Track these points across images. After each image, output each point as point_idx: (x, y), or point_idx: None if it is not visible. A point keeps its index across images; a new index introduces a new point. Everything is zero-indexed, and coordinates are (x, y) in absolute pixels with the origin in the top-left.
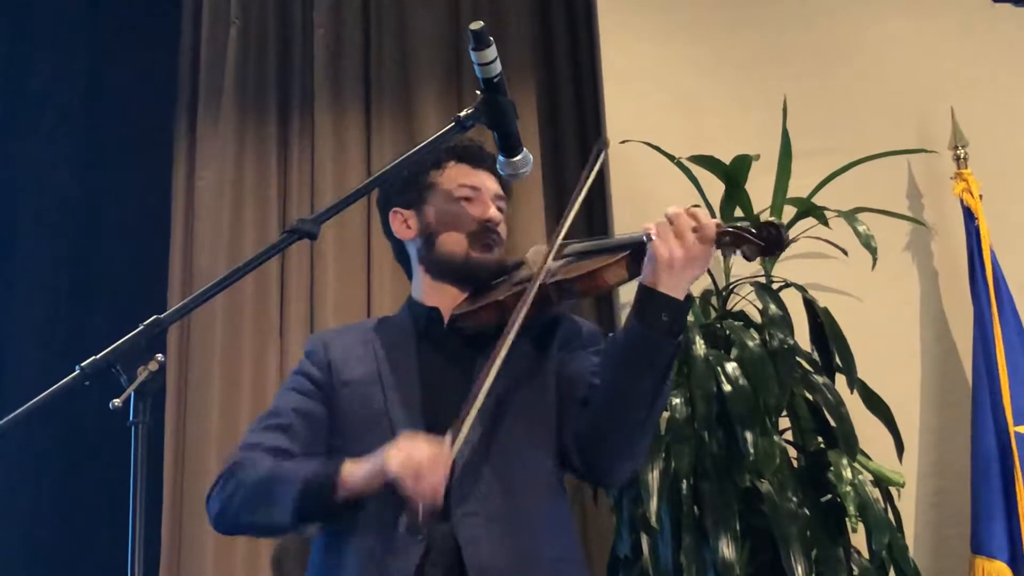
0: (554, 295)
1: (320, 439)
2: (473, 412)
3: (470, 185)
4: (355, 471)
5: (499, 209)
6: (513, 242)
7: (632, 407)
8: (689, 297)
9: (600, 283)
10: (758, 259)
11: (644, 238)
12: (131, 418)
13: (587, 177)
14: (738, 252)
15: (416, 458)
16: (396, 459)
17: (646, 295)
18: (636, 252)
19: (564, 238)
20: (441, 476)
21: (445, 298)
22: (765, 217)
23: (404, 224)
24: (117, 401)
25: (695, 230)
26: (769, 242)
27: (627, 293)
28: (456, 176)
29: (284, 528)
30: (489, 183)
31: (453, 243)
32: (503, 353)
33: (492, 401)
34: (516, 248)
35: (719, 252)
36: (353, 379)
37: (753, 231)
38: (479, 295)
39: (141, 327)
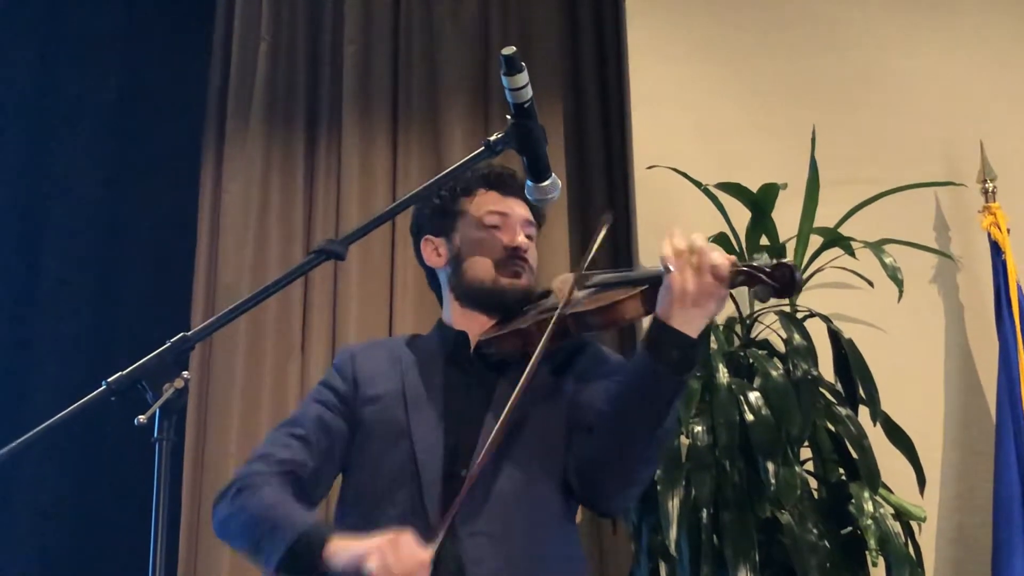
0: (572, 327)
1: (337, 453)
2: (486, 449)
3: (499, 212)
4: (341, 550)
5: (528, 236)
6: (539, 265)
7: (632, 437)
8: (703, 337)
9: (618, 317)
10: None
11: (663, 269)
12: (155, 434)
13: (591, 249)
14: (751, 292)
15: (397, 567)
16: (376, 560)
17: (659, 329)
18: (655, 286)
19: (589, 268)
20: None
21: (473, 324)
22: (791, 247)
23: (435, 252)
24: (142, 417)
25: (712, 267)
26: (782, 283)
27: None
28: (485, 203)
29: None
30: (519, 210)
31: (480, 269)
32: (522, 390)
33: (507, 432)
34: (542, 271)
35: None
36: (377, 395)
37: (766, 271)
38: (506, 322)
39: (168, 344)
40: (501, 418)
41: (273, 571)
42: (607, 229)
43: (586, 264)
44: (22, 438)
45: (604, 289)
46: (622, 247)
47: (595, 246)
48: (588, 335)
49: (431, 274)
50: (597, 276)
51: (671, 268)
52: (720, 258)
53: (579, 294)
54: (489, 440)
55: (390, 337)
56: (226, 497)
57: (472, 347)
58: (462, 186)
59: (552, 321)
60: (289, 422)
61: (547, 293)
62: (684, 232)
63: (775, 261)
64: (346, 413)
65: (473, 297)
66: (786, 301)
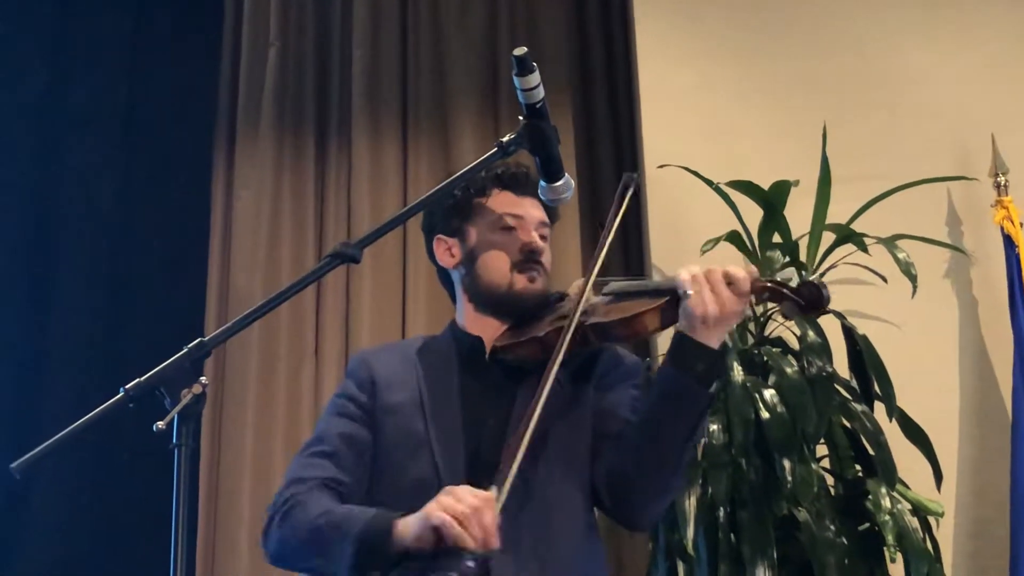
0: (592, 337)
1: (365, 463)
2: (517, 460)
3: (513, 213)
4: (408, 526)
5: (543, 237)
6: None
7: (666, 453)
8: (725, 347)
9: (639, 328)
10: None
11: (680, 292)
12: (174, 440)
13: (616, 213)
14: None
15: (461, 506)
16: (441, 506)
17: (682, 343)
18: (674, 300)
19: (601, 271)
20: (491, 520)
21: (488, 328)
22: (804, 244)
23: (448, 252)
24: (161, 424)
25: (730, 284)
26: (809, 301)
27: (664, 341)
28: (500, 204)
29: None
30: (533, 211)
31: (495, 272)
32: (543, 399)
33: (532, 439)
34: (552, 270)
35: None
36: (396, 404)
37: (792, 287)
38: (521, 327)
39: (185, 350)
40: (527, 431)
41: (352, 574)
42: (634, 188)
43: (609, 237)
44: (43, 445)
45: (622, 299)
46: (633, 247)
47: (622, 211)
48: (607, 343)
49: (443, 273)
50: (612, 283)
51: (689, 292)
52: (738, 271)
53: (596, 299)
54: (517, 459)
55: (402, 340)
56: (272, 526)
57: (488, 352)
58: (476, 186)
59: (571, 330)
60: (313, 441)
61: (562, 296)
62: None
63: (803, 279)
64: (367, 420)
65: (488, 301)
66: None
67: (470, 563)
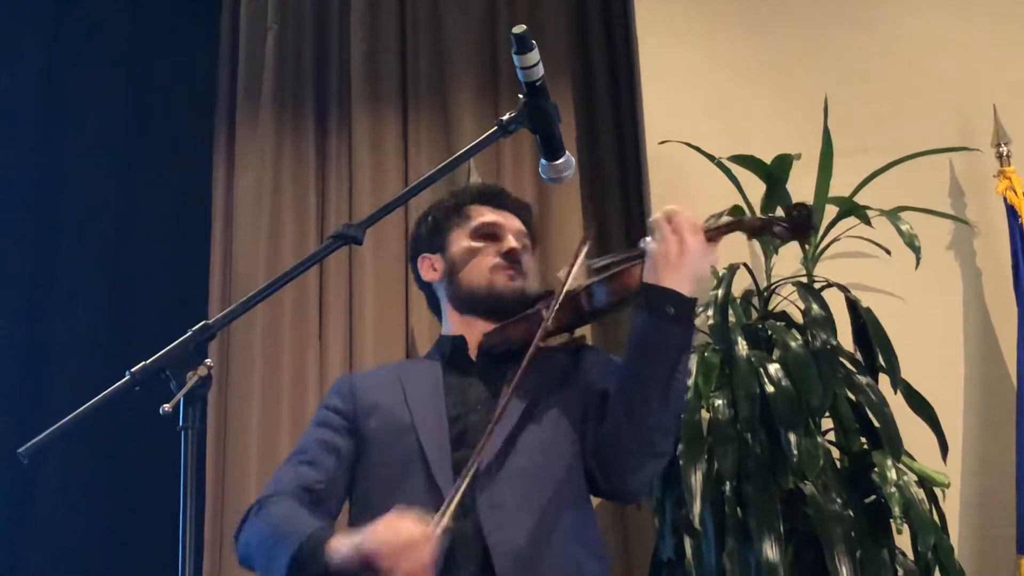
0: (584, 301)
1: (344, 468)
2: (468, 480)
3: (490, 223)
4: (341, 544)
5: (524, 247)
6: (551, 245)
7: (645, 398)
8: (694, 300)
9: (628, 282)
10: (801, 260)
11: (642, 244)
12: (180, 423)
13: (573, 264)
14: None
15: (400, 539)
16: (377, 536)
17: (649, 290)
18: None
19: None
20: (427, 557)
21: (472, 330)
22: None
23: (431, 267)
24: (167, 406)
25: (686, 223)
26: (797, 224)
27: None
28: (477, 216)
29: None
30: (511, 221)
31: (476, 276)
32: (530, 355)
33: (521, 409)
34: (556, 254)
35: (760, 251)
36: (379, 403)
37: (777, 217)
38: (507, 321)
39: (190, 332)
40: (513, 382)
41: None
42: (589, 245)
43: (567, 282)
44: (50, 429)
45: (607, 267)
46: (636, 224)
47: (577, 261)
48: (598, 310)
49: (429, 292)
50: (598, 262)
51: (649, 236)
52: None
53: (582, 278)
54: (504, 403)
55: (383, 364)
56: (245, 525)
57: (473, 350)
58: (453, 203)
59: (561, 296)
60: (294, 453)
61: (546, 294)
62: None
63: (789, 204)
64: (350, 429)
65: (470, 302)
66: (803, 272)
67: None
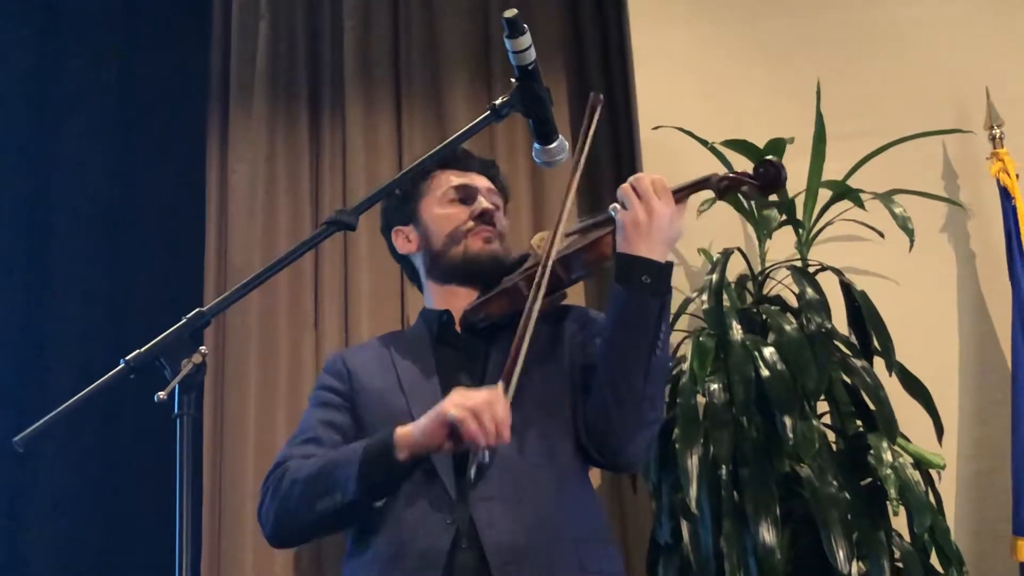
0: (563, 273)
1: (348, 443)
2: (520, 362)
3: (458, 185)
4: (411, 428)
5: (495, 205)
6: (544, 227)
7: (628, 368)
8: (669, 264)
9: (604, 249)
10: (794, 241)
11: (611, 211)
12: (176, 410)
13: (585, 136)
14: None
15: (473, 401)
16: (454, 403)
17: (623, 260)
18: None
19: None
20: (503, 412)
21: (455, 300)
22: (800, 201)
23: (406, 239)
24: (162, 394)
25: (652, 186)
26: (767, 180)
27: None
28: (444, 181)
29: (353, 509)
30: (479, 181)
31: (450, 240)
32: (532, 324)
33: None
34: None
35: (754, 235)
36: (373, 386)
37: (747, 173)
38: (488, 291)
39: (184, 320)
40: (526, 335)
41: (359, 497)
42: (600, 111)
43: (582, 159)
44: (45, 418)
45: (583, 234)
46: None
47: (591, 132)
48: (578, 277)
49: (407, 265)
50: (573, 225)
51: (617, 206)
52: (661, 179)
53: (561, 246)
54: (521, 355)
55: (369, 340)
56: (265, 499)
57: (458, 323)
58: (419, 171)
59: (541, 270)
60: (297, 433)
61: (524, 257)
62: None
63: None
64: (346, 407)
65: (449, 271)
66: (797, 256)
67: (485, 458)
